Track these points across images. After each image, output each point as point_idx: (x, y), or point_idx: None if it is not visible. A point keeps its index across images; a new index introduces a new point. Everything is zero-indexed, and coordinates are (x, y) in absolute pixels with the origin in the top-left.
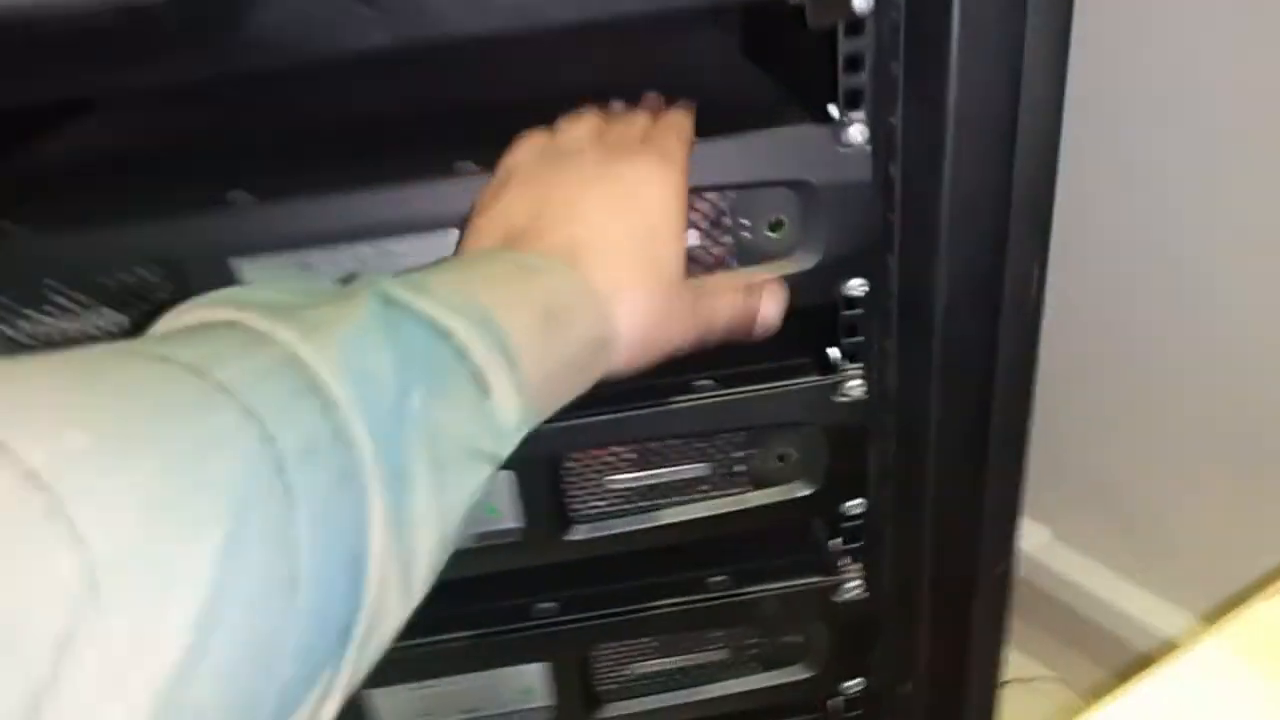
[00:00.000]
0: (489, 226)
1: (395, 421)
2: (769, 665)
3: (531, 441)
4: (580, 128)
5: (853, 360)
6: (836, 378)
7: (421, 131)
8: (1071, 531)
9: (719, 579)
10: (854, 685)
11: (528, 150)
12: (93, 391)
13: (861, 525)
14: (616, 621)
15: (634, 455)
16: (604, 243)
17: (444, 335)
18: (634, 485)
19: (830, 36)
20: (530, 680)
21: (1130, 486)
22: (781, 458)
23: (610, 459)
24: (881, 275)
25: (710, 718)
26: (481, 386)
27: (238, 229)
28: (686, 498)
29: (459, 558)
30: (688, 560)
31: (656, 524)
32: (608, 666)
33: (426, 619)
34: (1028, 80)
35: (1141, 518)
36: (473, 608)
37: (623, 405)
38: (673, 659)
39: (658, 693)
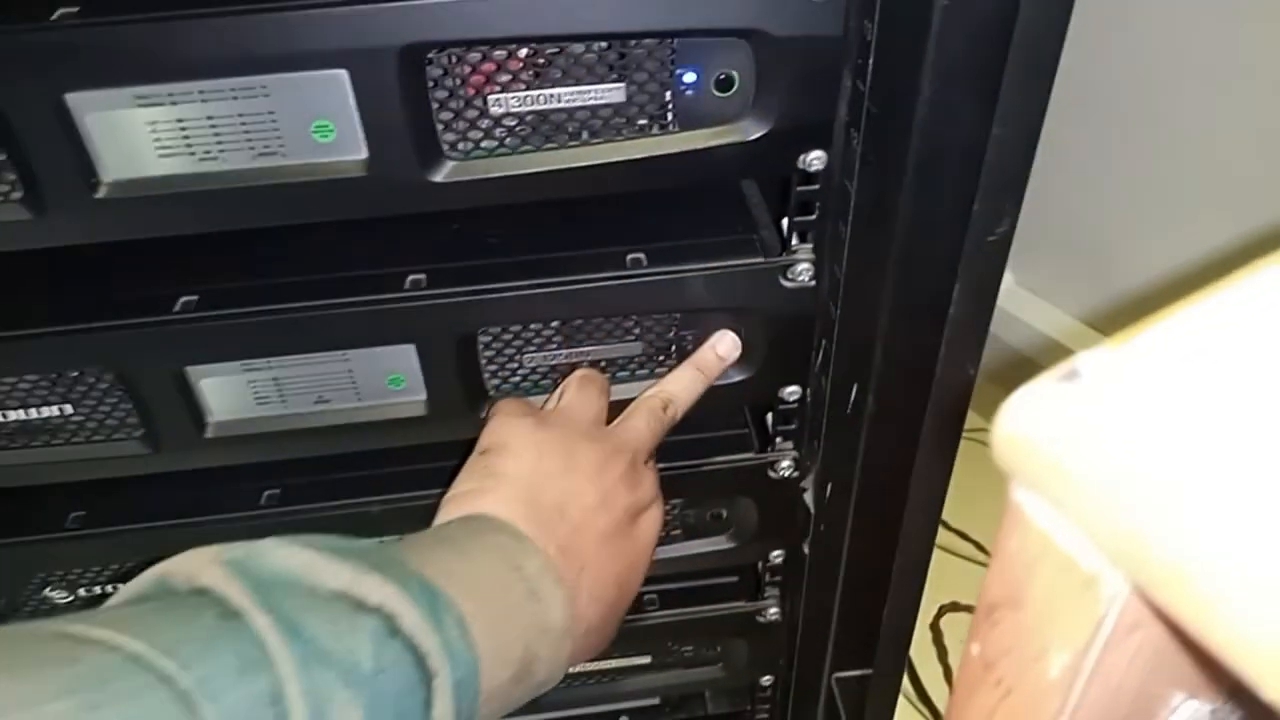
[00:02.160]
0: (508, 495)
1: None
2: (692, 534)
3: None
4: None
5: (803, 240)
6: (785, 259)
7: None
8: None
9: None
10: (778, 555)
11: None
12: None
13: (796, 411)
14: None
15: (559, 337)
16: (601, 584)
17: (427, 682)
18: (556, 363)
19: None
20: (399, 366)
21: None
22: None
23: (529, 335)
24: (843, 149)
25: None
26: None
27: None
28: (613, 375)
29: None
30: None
31: None
32: (495, 356)
33: (267, 284)
34: None
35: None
36: (325, 274)
37: (545, 278)
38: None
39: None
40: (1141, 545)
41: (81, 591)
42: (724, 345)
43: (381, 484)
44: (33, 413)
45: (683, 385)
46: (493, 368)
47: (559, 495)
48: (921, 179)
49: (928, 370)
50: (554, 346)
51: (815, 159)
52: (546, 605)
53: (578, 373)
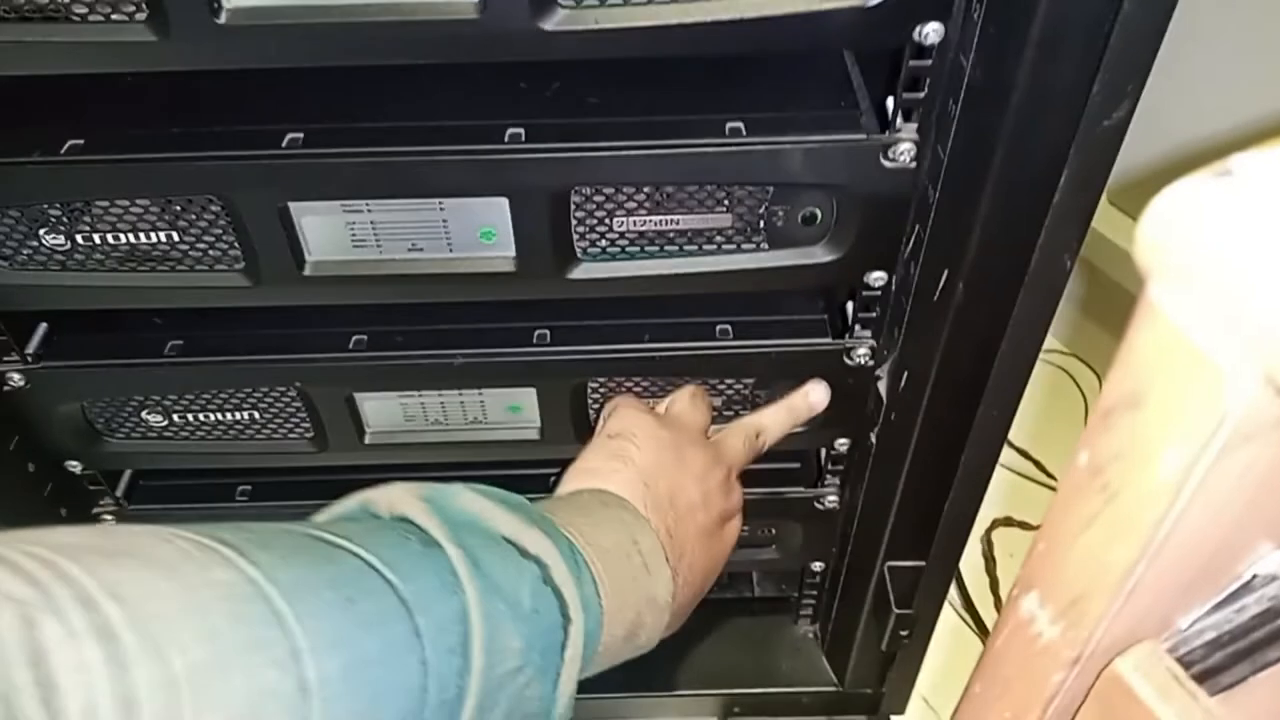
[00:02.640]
0: (631, 477)
1: (496, 689)
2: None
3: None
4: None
5: (908, 119)
6: (888, 138)
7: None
8: None
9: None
10: (844, 443)
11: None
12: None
13: (879, 297)
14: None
15: (650, 203)
16: (692, 571)
17: (565, 627)
18: (644, 229)
19: None
20: (491, 219)
21: None
22: (808, 218)
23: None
24: (961, 22)
25: None
26: (558, 683)
27: None
28: (698, 247)
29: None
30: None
31: (664, 273)
32: (585, 218)
33: (371, 128)
34: None
35: None
36: (428, 121)
37: (643, 141)
38: None
39: None
40: None
41: (175, 417)
42: (817, 394)
43: (464, 339)
44: (141, 237)
45: (775, 420)
46: (582, 229)
47: (670, 487)
48: (1042, 55)
49: (1024, 259)
50: (644, 212)
51: (932, 31)
52: (655, 579)
53: (689, 388)
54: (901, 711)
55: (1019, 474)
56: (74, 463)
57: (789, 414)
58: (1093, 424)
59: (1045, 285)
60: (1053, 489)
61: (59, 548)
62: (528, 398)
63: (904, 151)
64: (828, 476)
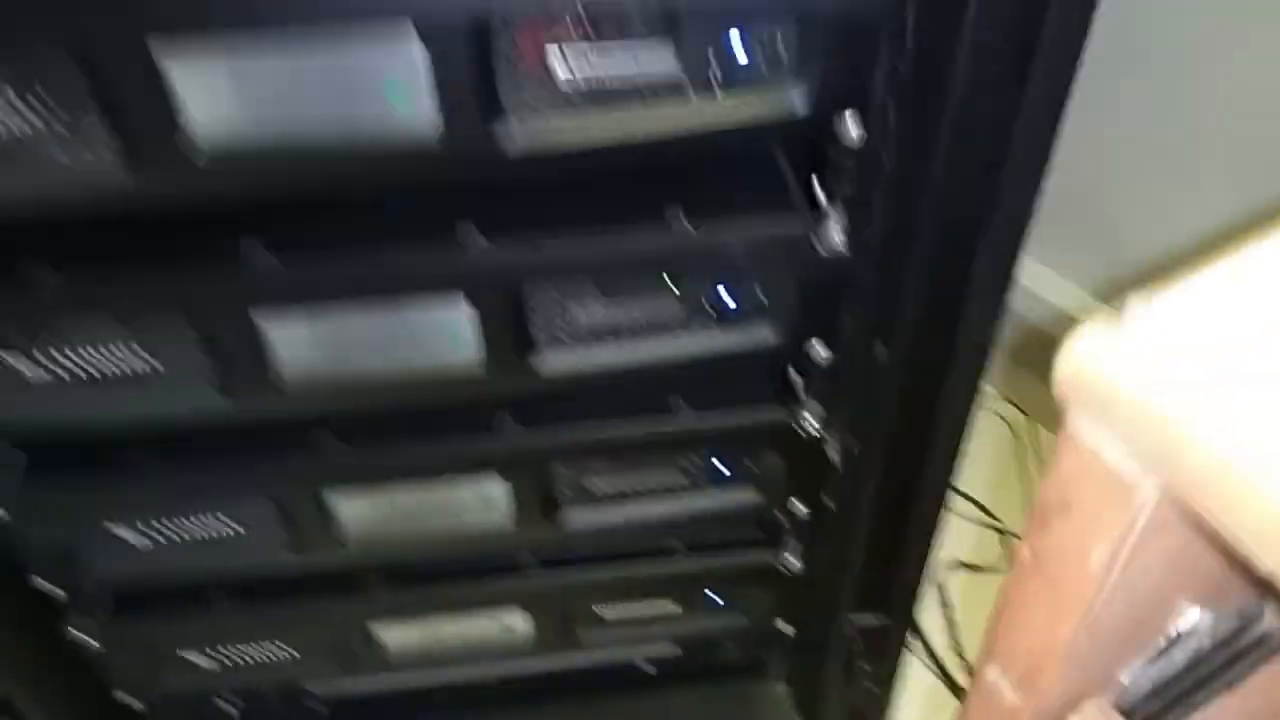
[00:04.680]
0: None
1: None
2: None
3: None
4: None
5: (832, 202)
6: (817, 221)
7: None
8: None
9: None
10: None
11: None
12: None
13: (824, 369)
14: None
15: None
16: None
17: None
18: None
19: None
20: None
21: None
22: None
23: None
24: (881, 110)
25: None
26: None
27: None
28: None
29: None
30: None
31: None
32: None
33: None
34: None
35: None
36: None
37: (581, 229)
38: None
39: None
40: (1176, 451)
41: None
42: None
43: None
44: None
45: None
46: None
47: None
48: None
49: (951, 328)
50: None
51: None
52: None
53: None
54: None
55: (965, 518)
56: None
57: None
58: (1031, 525)
59: (973, 351)
60: (998, 530)
61: None
62: None
63: (835, 235)
64: (787, 539)
